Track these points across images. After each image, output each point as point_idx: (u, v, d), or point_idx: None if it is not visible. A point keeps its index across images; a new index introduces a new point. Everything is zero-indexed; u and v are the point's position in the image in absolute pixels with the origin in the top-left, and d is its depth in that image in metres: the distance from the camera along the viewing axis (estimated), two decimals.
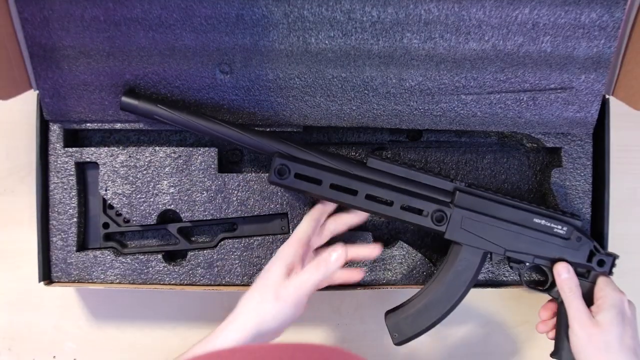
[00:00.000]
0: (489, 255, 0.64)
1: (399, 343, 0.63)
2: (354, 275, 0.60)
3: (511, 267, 0.69)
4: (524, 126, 0.69)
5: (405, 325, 0.63)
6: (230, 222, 0.70)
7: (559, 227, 0.63)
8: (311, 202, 0.68)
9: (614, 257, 0.65)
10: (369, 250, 0.61)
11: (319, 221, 0.61)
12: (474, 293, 0.66)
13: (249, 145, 0.62)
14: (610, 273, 0.65)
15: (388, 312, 0.65)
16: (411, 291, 0.67)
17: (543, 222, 0.63)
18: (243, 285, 0.69)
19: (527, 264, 0.65)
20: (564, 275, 0.63)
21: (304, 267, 0.57)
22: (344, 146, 0.72)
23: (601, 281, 0.64)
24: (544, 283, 0.68)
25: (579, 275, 0.65)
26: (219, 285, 0.69)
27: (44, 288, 0.68)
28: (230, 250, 0.69)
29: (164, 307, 0.76)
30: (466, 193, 0.63)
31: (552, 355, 0.66)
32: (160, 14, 0.61)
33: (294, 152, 0.62)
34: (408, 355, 0.76)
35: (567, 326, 0.63)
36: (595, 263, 0.64)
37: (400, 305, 0.65)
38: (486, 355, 0.77)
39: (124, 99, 0.62)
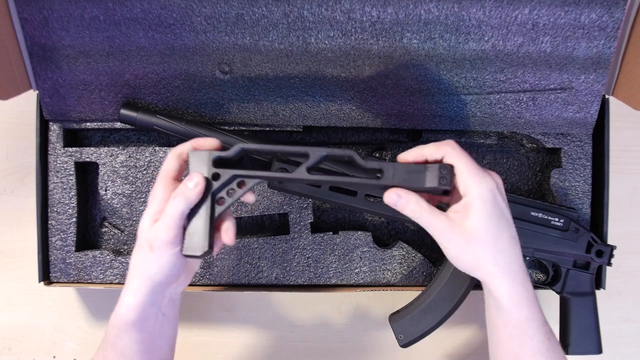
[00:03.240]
0: None
1: (405, 345, 0.63)
2: (248, 197, 0.56)
3: None
4: (524, 126, 0.69)
5: (410, 327, 0.62)
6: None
7: (556, 219, 0.64)
8: (311, 203, 0.69)
9: (612, 247, 0.66)
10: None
11: (180, 155, 0.55)
12: (474, 293, 0.66)
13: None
14: (609, 264, 0.66)
15: (392, 315, 0.65)
16: (411, 292, 0.67)
17: (540, 215, 0.64)
18: (243, 285, 0.69)
19: (527, 258, 0.65)
20: (399, 200, 0.51)
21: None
22: (344, 146, 0.72)
23: (455, 162, 0.51)
24: (545, 277, 0.68)
25: (579, 267, 0.66)
26: (218, 285, 0.69)
27: (44, 288, 0.68)
28: (230, 251, 0.69)
29: None
30: None
31: None
32: (160, 14, 0.61)
33: None
34: (408, 355, 0.76)
35: (572, 321, 0.65)
36: (594, 254, 0.65)
37: (404, 307, 0.65)
38: (486, 355, 0.77)
39: (123, 111, 0.63)
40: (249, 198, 0.56)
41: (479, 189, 0.49)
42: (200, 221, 0.52)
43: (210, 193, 0.52)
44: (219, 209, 0.53)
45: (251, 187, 0.53)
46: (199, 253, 0.52)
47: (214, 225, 0.53)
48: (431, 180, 0.50)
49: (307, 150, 0.51)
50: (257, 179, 0.53)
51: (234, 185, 0.53)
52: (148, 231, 0.52)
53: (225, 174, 0.52)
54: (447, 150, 0.51)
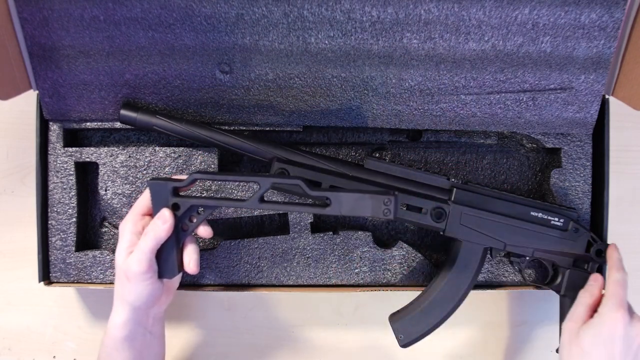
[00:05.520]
0: (489, 251, 0.65)
1: (405, 345, 0.63)
2: (205, 232, 0.61)
3: (511, 263, 0.69)
4: (524, 126, 0.69)
5: (410, 326, 0.63)
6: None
7: (556, 219, 0.64)
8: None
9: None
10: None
11: None
12: (474, 294, 0.66)
13: (247, 152, 0.63)
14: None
15: (392, 315, 0.65)
16: (411, 292, 0.68)
17: (540, 214, 0.64)
18: (243, 285, 0.69)
19: (527, 257, 0.65)
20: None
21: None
22: (344, 146, 0.72)
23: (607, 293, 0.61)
24: (545, 277, 0.68)
25: (578, 267, 0.66)
26: (218, 285, 0.69)
27: (44, 288, 0.68)
28: (230, 251, 0.69)
29: None
30: (463, 189, 0.63)
31: (558, 351, 0.66)
32: (160, 14, 0.61)
33: (292, 156, 0.63)
34: (408, 355, 0.76)
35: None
36: (594, 253, 0.65)
37: (404, 307, 0.65)
38: (486, 355, 0.77)
39: (123, 111, 0.63)
40: (206, 233, 0.60)
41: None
42: (168, 248, 0.58)
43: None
44: (183, 235, 0.59)
45: (210, 213, 0.58)
46: (170, 276, 0.59)
47: (181, 249, 0.60)
48: (375, 210, 0.53)
49: (257, 179, 0.56)
50: (213, 208, 0.58)
51: (194, 212, 0.58)
52: (123, 263, 0.57)
53: (185, 204, 0.57)
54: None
